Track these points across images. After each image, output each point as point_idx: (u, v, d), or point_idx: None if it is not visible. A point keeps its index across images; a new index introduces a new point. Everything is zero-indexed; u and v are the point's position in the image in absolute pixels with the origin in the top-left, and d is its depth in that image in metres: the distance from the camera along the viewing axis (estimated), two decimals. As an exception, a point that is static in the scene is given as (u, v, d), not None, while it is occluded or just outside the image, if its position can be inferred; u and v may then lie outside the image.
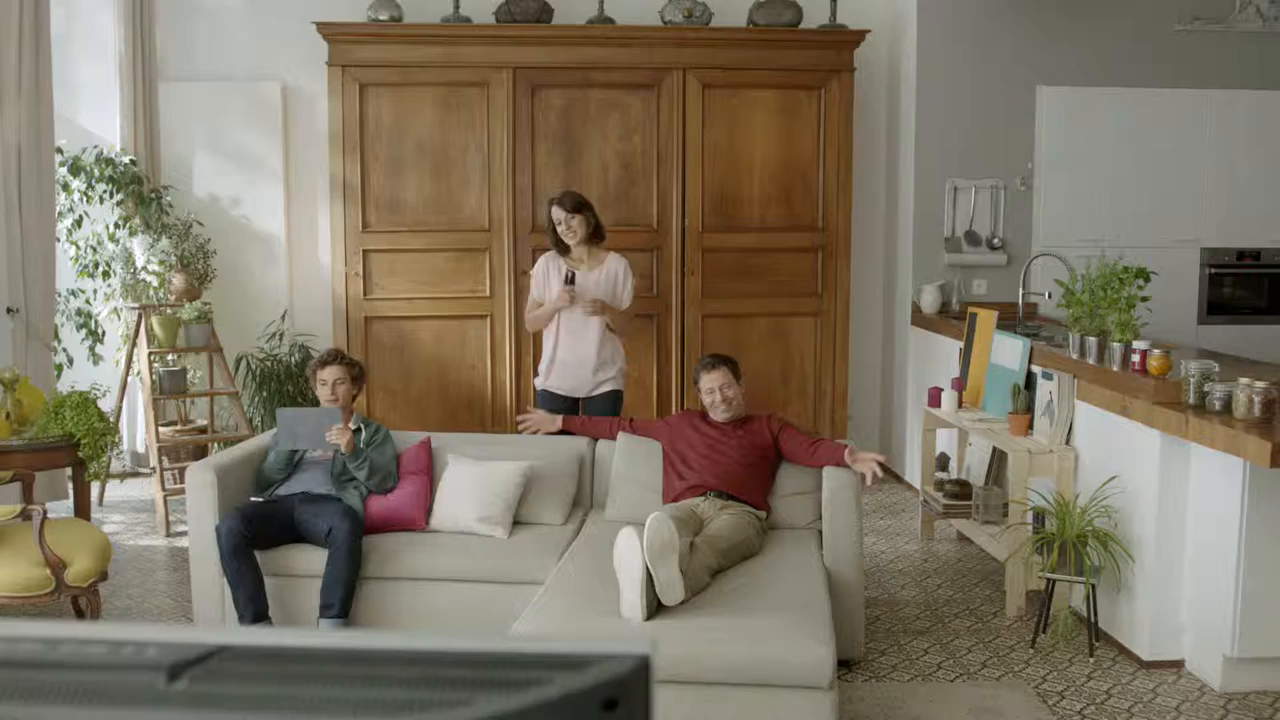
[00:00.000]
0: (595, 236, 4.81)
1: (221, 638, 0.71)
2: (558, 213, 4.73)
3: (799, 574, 3.63)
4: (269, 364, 6.27)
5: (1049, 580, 4.11)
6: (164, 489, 5.58)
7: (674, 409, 6.26)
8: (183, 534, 5.35)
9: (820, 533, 4.05)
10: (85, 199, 6.19)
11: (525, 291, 6.11)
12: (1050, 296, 5.54)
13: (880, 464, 4.00)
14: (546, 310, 4.78)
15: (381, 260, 6.22)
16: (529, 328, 4.84)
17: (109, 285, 6.22)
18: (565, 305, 4.72)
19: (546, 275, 4.85)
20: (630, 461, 4.39)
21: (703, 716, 3.08)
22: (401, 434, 4.59)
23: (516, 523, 4.25)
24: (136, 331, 5.96)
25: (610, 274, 4.81)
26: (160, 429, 5.88)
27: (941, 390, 5.36)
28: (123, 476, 6.45)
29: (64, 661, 0.69)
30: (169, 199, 6.31)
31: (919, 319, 6.40)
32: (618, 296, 4.81)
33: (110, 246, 6.17)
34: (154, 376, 5.90)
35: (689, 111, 6.25)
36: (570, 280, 4.71)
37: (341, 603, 3.85)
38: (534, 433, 4.75)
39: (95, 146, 6.24)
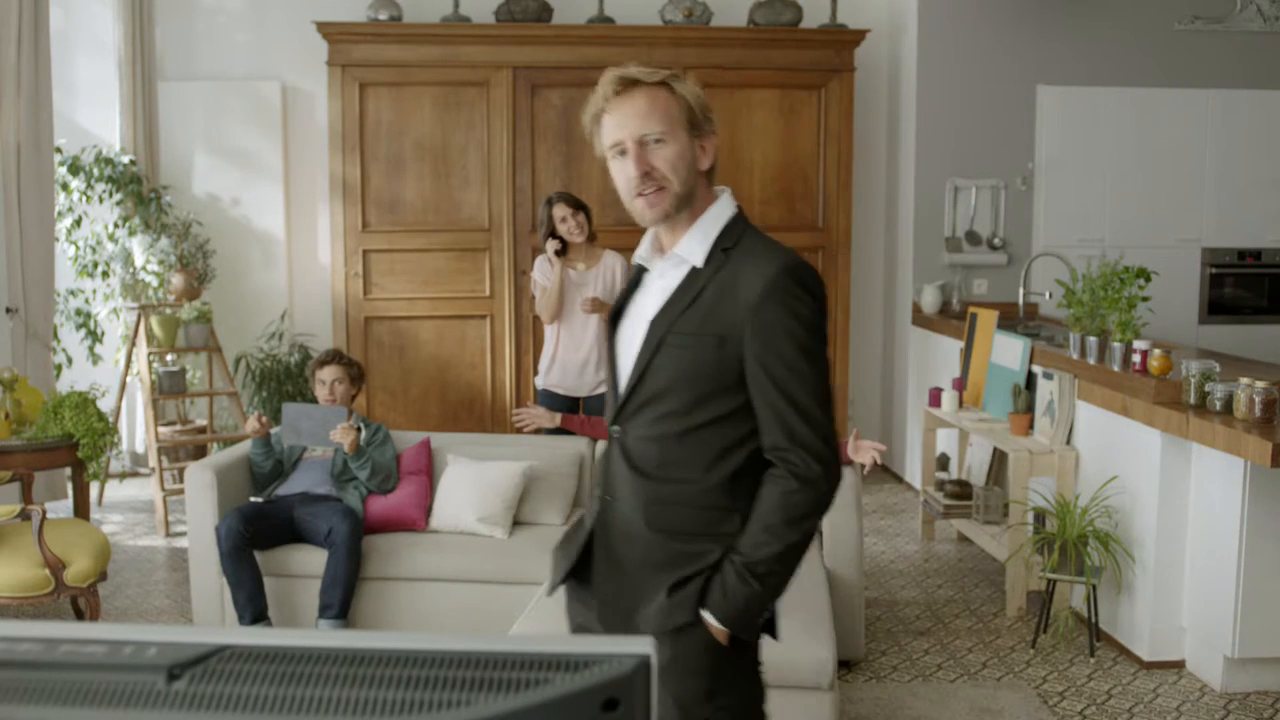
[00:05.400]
0: (589, 236, 4.81)
1: (221, 638, 0.71)
2: (562, 209, 4.71)
3: (798, 574, 3.62)
4: (268, 364, 6.26)
5: (1049, 581, 4.11)
6: (163, 489, 5.57)
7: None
8: (182, 534, 5.35)
9: (820, 533, 4.05)
10: (85, 199, 6.18)
11: (525, 291, 6.12)
12: (1051, 296, 5.54)
13: (879, 452, 4.00)
14: (553, 289, 4.72)
15: (381, 260, 6.22)
16: (543, 317, 4.82)
17: (108, 285, 6.22)
18: (568, 285, 4.72)
19: (545, 271, 4.83)
20: (630, 461, 4.38)
21: (703, 717, 3.08)
22: (401, 434, 4.59)
23: (516, 523, 4.25)
24: (136, 331, 5.96)
25: (608, 270, 4.81)
26: (160, 429, 5.88)
27: (942, 390, 5.36)
28: (122, 476, 6.45)
29: (64, 662, 0.69)
30: (168, 199, 6.31)
31: (919, 319, 6.40)
32: (617, 293, 4.80)
33: (110, 246, 6.16)
34: (153, 376, 5.90)
35: (689, 111, 6.24)
36: (560, 253, 4.73)
37: (341, 603, 3.85)
38: (533, 430, 4.74)
39: (95, 146, 6.24)
